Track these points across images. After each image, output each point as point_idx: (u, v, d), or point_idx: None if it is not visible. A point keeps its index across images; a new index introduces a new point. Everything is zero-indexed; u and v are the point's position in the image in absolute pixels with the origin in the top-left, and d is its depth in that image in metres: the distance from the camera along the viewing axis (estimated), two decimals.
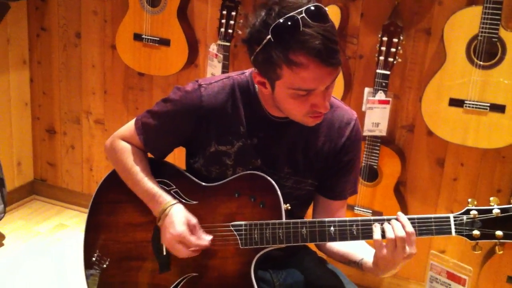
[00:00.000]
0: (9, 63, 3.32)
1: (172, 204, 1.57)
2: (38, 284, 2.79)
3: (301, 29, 1.35)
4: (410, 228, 1.41)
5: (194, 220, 1.56)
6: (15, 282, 2.79)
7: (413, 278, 2.86)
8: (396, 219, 1.44)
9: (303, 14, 1.36)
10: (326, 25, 1.37)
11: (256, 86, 1.58)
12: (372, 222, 1.46)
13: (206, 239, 1.55)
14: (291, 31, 1.35)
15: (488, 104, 2.38)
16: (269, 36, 1.37)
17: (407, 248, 1.41)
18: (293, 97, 1.44)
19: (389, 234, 1.42)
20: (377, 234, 1.44)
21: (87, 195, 3.46)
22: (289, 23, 1.35)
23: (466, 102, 2.41)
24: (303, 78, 1.39)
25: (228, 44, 2.74)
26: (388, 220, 1.45)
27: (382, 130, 2.57)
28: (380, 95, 2.52)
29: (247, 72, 1.64)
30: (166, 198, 1.59)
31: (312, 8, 1.37)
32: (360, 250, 1.60)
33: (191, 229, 1.54)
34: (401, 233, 1.41)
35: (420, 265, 2.79)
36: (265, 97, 1.57)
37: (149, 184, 1.61)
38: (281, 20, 1.36)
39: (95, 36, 3.24)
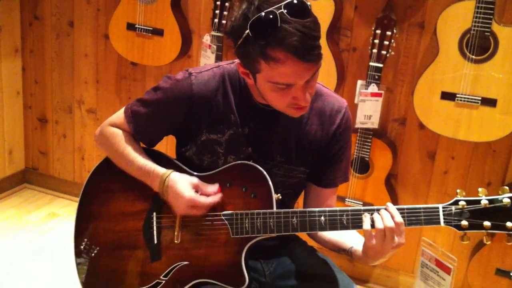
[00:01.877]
0: (1, 52, 3.30)
1: (168, 175, 1.57)
2: (29, 273, 2.79)
3: (279, 25, 1.34)
4: (399, 218, 1.43)
5: (195, 179, 1.57)
6: (6, 271, 2.79)
7: (402, 269, 2.88)
8: (385, 209, 1.45)
9: (282, 9, 1.35)
10: (306, 21, 1.36)
11: None
12: (362, 212, 1.47)
13: (215, 194, 1.55)
14: (269, 27, 1.35)
15: (480, 98, 2.39)
16: (247, 31, 1.38)
17: (396, 238, 1.42)
18: (273, 90, 1.45)
19: (378, 224, 1.43)
20: (366, 224, 1.45)
21: (79, 184, 3.46)
22: (267, 18, 1.35)
23: (458, 95, 2.42)
24: (280, 73, 1.39)
25: (221, 35, 2.73)
26: (378, 210, 1.46)
27: (374, 123, 2.58)
28: (373, 88, 2.53)
29: (237, 61, 1.64)
30: (160, 170, 1.59)
31: (293, 3, 1.36)
32: (349, 239, 1.62)
33: (196, 189, 1.55)
34: (390, 223, 1.42)
35: (409, 257, 2.81)
36: (252, 87, 1.57)
37: (143, 161, 1.62)
38: (260, 15, 1.36)
39: (88, 25, 3.23)
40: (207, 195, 1.56)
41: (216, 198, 1.56)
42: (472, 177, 2.66)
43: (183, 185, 1.54)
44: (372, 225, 1.44)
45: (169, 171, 1.58)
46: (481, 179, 2.64)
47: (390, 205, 1.45)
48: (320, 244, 1.72)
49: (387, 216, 1.43)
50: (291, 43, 1.34)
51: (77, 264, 1.71)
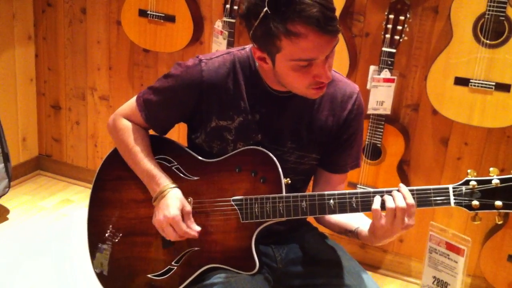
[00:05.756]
0: (14, 39, 3.32)
1: (171, 188, 1.58)
2: (42, 259, 2.82)
3: None
4: (411, 200, 1.42)
5: (188, 207, 1.57)
6: (19, 257, 2.82)
7: (414, 256, 2.88)
8: (398, 190, 1.45)
9: None
10: None
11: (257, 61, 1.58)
12: (371, 195, 1.46)
13: (195, 229, 1.56)
14: (287, 1, 1.35)
15: (494, 83, 2.37)
16: (265, 9, 1.37)
17: (406, 219, 1.42)
18: (294, 69, 1.44)
19: (390, 204, 1.42)
20: (376, 204, 1.44)
21: (92, 171, 3.48)
22: None
23: (471, 81, 2.39)
24: (302, 48, 1.38)
25: (233, 20, 2.72)
26: (388, 192, 1.45)
27: (386, 109, 2.57)
28: (386, 74, 2.51)
29: (248, 47, 1.64)
30: (165, 181, 1.60)
31: None
32: (355, 220, 1.61)
33: (184, 215, 1.56)
34: (402, 203, 1.42)
35: (421, 243, 2.80)
36: (266, 72, 1.57)
37: (149, 165, 1.62)
38: None
39: (100, 11, 3.23)
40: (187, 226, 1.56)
41: (193, 232, 1.55)
42: (485, 163, 2.64)
43: (175, 203, 1.55)
44: (382, 206, 1.44)
45: (173, 185, 1.59)
46: (495, 165, 2.61)
47: (402, 186, 1.45)
48: (325, 227, 1.73)
49: (400, 196, 1.43)
50: (312, 15, 1.34)
51: (91, 251, 1.73)
